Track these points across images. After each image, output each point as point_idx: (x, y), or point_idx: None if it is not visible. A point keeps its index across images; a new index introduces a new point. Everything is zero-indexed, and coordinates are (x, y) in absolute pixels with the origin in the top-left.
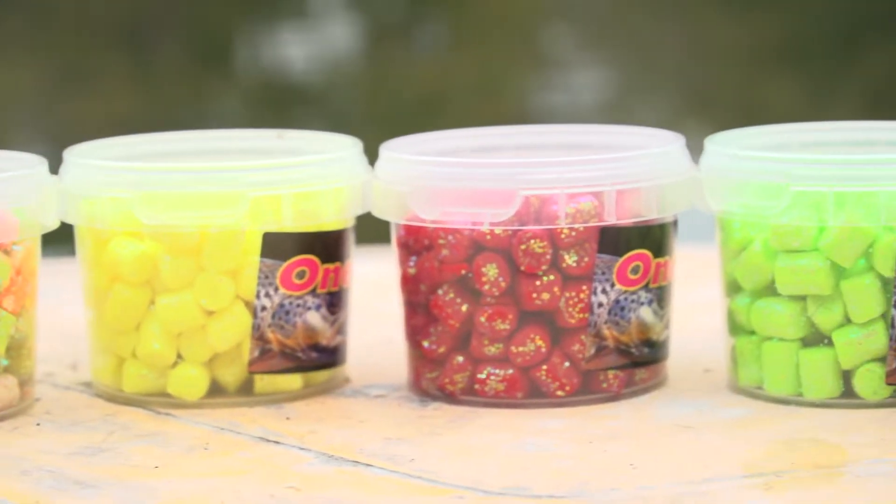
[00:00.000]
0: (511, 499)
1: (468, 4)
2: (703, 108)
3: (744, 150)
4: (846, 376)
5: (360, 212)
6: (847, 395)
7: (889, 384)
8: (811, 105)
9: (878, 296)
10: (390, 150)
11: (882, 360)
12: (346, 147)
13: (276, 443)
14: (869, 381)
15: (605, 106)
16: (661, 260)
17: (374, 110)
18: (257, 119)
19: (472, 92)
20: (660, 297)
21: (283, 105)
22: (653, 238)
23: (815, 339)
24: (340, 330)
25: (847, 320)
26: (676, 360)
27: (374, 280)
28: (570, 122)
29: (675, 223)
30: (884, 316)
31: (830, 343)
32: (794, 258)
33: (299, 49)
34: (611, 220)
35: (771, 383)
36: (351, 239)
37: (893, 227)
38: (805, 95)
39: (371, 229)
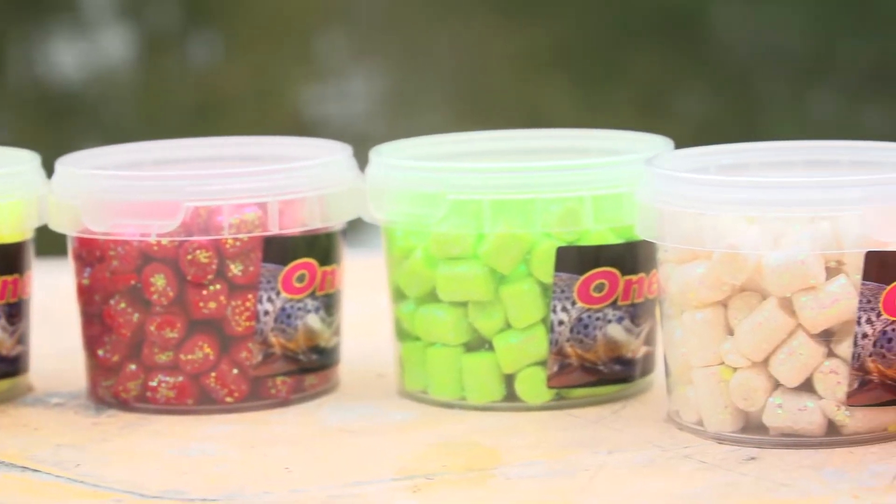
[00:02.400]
0: (167, 502)
1: (243, 13)
2: (479, 115)
3: (403, 161)
4: (509, 380)
5: (37, 224)
6: (510, 398)
7: (550, 387)
8: (584, 110)
9: (537, 301)
10: (64, 164)
11: (543, 363)
12: (24, 161)
13: None
14: (530, 385)
15: (381, 112)
16: (328, 268)
17: (149, 120)
18: (30, 129)
19: (247, 100)
20: (327, 304)
21: (57, 114)
22: (319, 247)
23: (477, 344)
24: (21, 340)
25: (508, 325)
26: (351, 365)
27: (61, 291)
28: (346, 128)
29: (343, 232)
30: (543, 320)
31: (492, 348)
32: (453, 265)
33: (73, 58)
34: (274, 230)
35: (436, 388)
36: (30, 251)
37: (550, 233)
38: (578, 101)
39: (54, 241)
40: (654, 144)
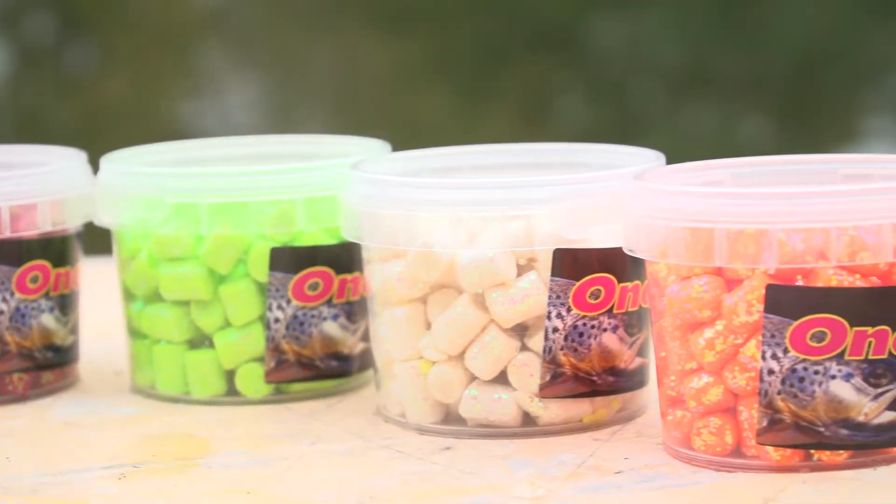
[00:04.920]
0: None
1: (120, 25)
2: (358, 125)
3: (128, 166)
4: (230, 375)
5: None
6: (231, 393)
7: (268, 382)
8: (462, 120)
9: (254, 299)
10: None
11: (261, 359)
12: None
13: None
14: (249, 380)
15: (260, 122)
16: (62, 270)
17: (27, 135)
18: None
19: (125, 112)
20: (62, 304)
21: None
22: (53, 249)
23: (200, 341)
24: None
25: (227, 323)
26: (91, 363)
27: None
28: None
29: (78, 235)
30: (261, 318)
31: (212, 345)
32: (175, 266)
33: None
34: (7, 233)
35: (162, 383)
36: None
37: (265, 234)
38: (457, 111)
39: None
40: (372, 148)
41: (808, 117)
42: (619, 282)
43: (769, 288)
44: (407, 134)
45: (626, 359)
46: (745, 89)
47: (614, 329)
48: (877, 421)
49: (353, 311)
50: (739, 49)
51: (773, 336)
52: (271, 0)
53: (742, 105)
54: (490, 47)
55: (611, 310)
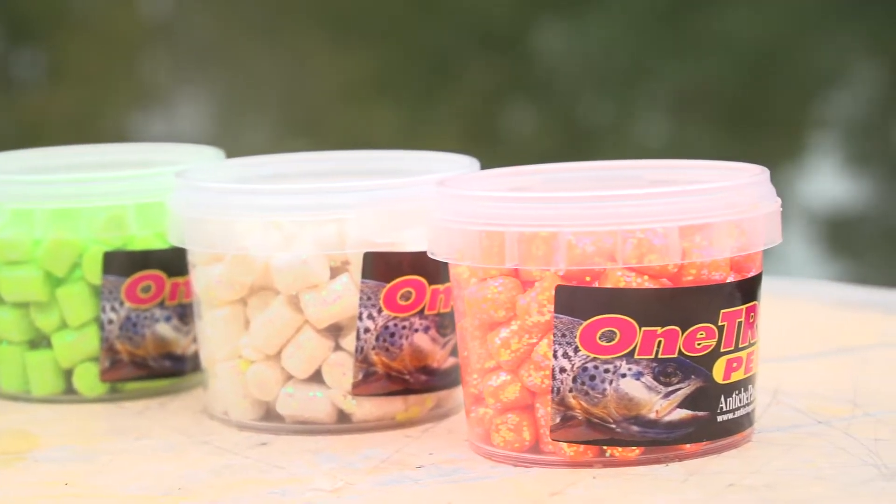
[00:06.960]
0: None
1: (67, 36)
2: (306, 137)
3: None
4: (68, 374)
5: None
6: (69, 391)
7: (104, 381)
8: (409, 131)
9: (89, 301)
10: None
11: (97, 359)
12: None
13: None
14: (86, 379)
15: (208, 134)
16: None
17: None
18: None
19: (72, 124)
20: None
21: None
22: None
23: (39, 341)
24: None
25: (64, 324)
26: None
27: None
28: None
29: None
30: (96, 319)
31: (50, 345)
32: (13, 269)
33: None
34: None
35: (4, 382)
36: None
37: (98, 239)
38: (404, 123)
39: None
40: (207, 156)
41: (754, 125)
42: (431, 284)
43: (558, 289)
44: (354, 145)
45: (439, 358)
46: (692, 98)
47: (426, 329)
48: (668, 418)
49: (186, 313)
50: (687, 57)
51: (563, 335)
52: (221, 12)
53: (689, 113)
54: (437, 59)
55: (422, 311)
